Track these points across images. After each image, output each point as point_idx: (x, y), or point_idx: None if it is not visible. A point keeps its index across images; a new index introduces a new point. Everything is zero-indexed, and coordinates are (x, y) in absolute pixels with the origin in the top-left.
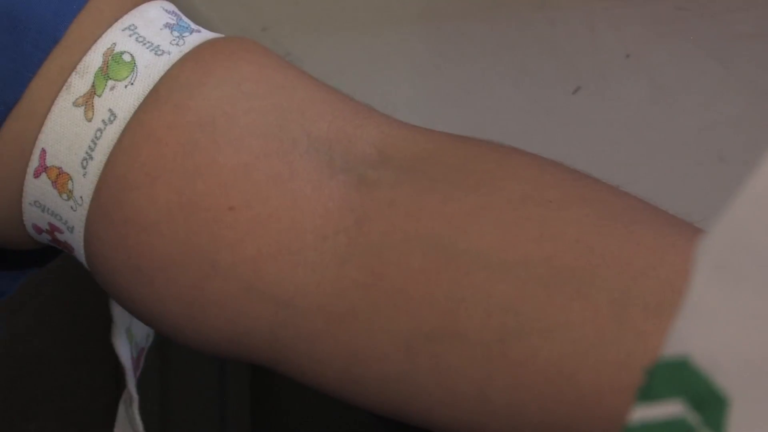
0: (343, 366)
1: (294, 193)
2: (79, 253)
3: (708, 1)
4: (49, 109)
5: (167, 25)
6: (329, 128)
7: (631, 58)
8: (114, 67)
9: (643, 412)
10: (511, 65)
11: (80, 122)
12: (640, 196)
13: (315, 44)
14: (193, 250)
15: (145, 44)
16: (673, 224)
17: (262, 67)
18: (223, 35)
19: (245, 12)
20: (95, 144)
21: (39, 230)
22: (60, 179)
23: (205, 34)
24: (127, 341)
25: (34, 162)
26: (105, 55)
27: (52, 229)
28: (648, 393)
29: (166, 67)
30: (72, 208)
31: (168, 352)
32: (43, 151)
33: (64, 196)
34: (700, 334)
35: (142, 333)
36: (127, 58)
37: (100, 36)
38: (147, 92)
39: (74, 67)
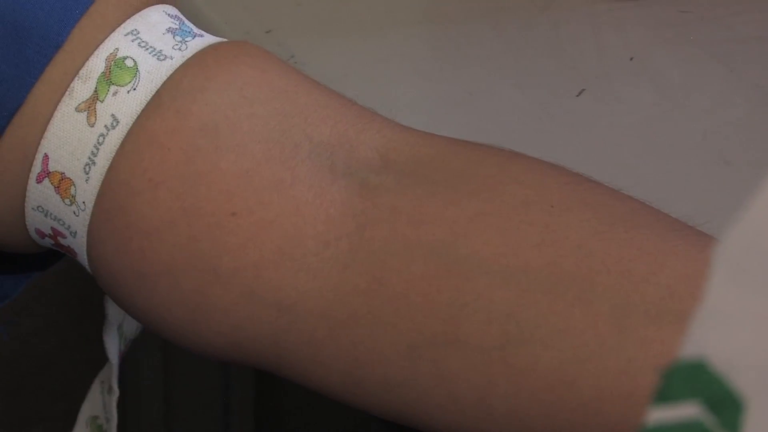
0: (346, 370)
1: (296, 198)
2: (82, 257)
3: (712, 4)
4: (51, 115)
5: (170, 30)
6: (331, 133)
7: (634, 60)
8: (116, 72)
9: (660, 414)
10: (514, 68)
11: (83, 127)
12: (643, 199)
13: (319, 47)
14: (195, 255)
15: (147, 49)
16: (676, 228)
17: (265, 71)
18: (225, 39)
19: (249, 15)
20: (98, 149)
21: (42, 235)
22: (62, 184)
23: (208, 39)
24: (117, 337)
25: (37, 167)
26: (107, 60)
27: (55, 234)
28: (665, 395)
29: (169, 72)
30: (75, 213)
31: (171, 356)
32: (46, 156)
33: (67, 201)
34: (717, 336)
35: (132, 327)
36: (129, 63)
37: (102, 41)
38: (149, 97)
39: (77, 73)
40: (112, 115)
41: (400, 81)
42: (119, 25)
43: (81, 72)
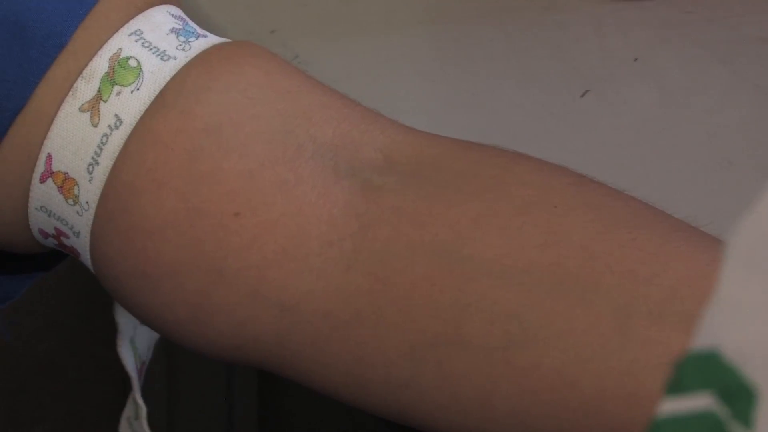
0: (349, 371)
1: (299, 199)
2: (85, 257)
3: (716, 4)
4: (55, 115)
5: (173, 30)
6: (335, 133)
7: (638, 61)
8: (120, 72)
9: (673, 405)
10: (518, 69)
11: (86, 127)
12: (646, 200)
13: (323, 47)
14: (199, 256)
15: (151, 49)
16: (679, 229)
17: (268, 72)
18: (229, 40)
19: (253, 15)
20: (101, 149)
21: (45, 235)
22: (66, 184)
23: (212, 39)
24: (131, 351)
25: (40, 167)
26: (111, 60)
27: (58, 234)
28: (677, 386)
29: (172, 73)
30: (78, 213)
31: (175, 357)
32: (49, 156)
33: (70, 201)
34: (729, 327)
35: (144, 345)
36: (133, 63)
37: (106, 41)
38: (153, 98)
39: (80, 73)
40: (116, 116)
41: (404, 81)
42: (123, 25)
43: (84, 72)
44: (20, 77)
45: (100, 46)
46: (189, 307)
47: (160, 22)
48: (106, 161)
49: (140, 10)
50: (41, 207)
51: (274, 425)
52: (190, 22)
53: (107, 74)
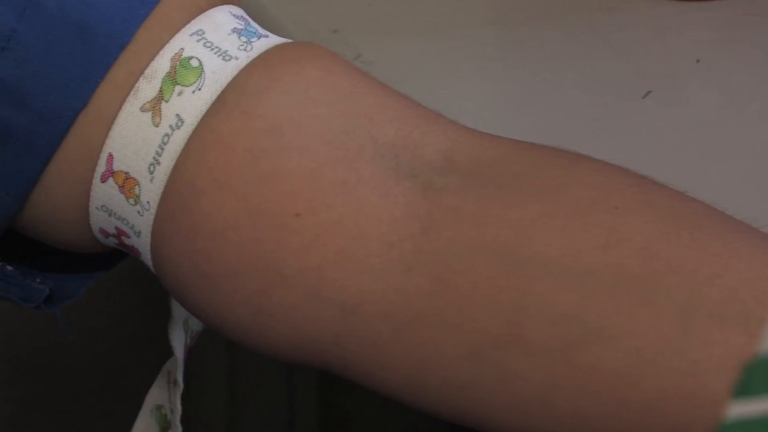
0: (409, 372)
1: (360, 200)
2: (146, 257)
3: None
4: (116, 114)
5: (235, 30)
6: (396, 134)
7: (701, 63)
8: (182, 72)
9: (741, 408)
10: (580, 69)
11: (147, 127)
12: (707, 201)
13: (385, 47)
14: (259, 256)
15: (212, 49)
16: (740, 231)
17: (330, 72)
18: (290, 40)
19: (316, 14)
20: (162, 149)
21: (106, 234)
22: (127, 184)
23: (273, 39)
24: (183, 332)
25: (101, 167)
26: (173, 60)
27: (119, 234)
28: (745, 389)
29: (234, 73)
30: (139, 213)
31: (236, 356)
32: (110, 155)
33: (131, 201)
34: None
35: (198, 322)
36: (194, 63)
37: (168, 41)
38: (214, 98)
39: (142, 72)
40: (177, 115)
41: (466, 82)
42: (184, 25)
43: (146, 72)
44: (82, 77)
45: (162, 46)
46: (249, 308)
47: (222, 22)
48: (168, 161)
49: (202, 9)
50: (102, 206)
51: (334, 425)
52: (252, 22)
53: (169, 74)
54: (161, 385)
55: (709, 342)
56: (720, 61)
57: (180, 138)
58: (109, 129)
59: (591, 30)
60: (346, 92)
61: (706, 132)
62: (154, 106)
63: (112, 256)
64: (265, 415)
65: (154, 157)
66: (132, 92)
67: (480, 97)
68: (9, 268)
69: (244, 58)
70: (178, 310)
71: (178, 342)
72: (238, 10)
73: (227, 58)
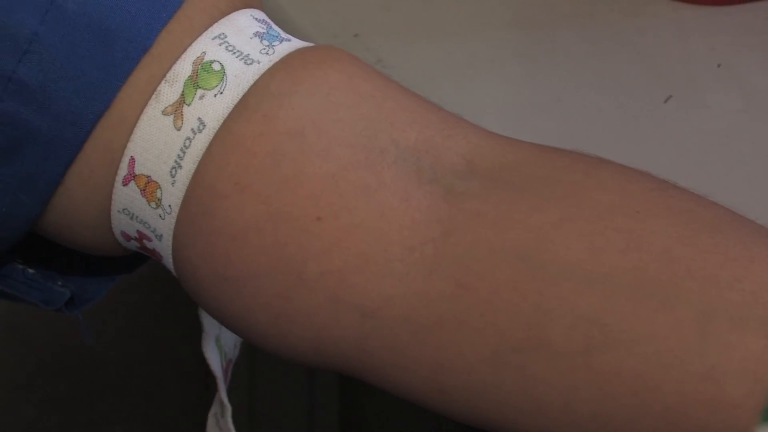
0: (430, 376)
1: (381, 203)
2: (168, 261)
3: None
4: (138, 118)
5: (257, 34)
6: (417, 138)
7: (722, 67)
8: (203, 76)
9: None
10: (601, 74)
11: (169, 131)
12: (728, 205)
13: (406, 51)
14: (280, 260)
15: (234, 53)
16: (761, 235)
17: (351, 76)
18: (312, 44)
19: (337, 18)
20: (184, 153)
21: (128, 237)
22: (149, 187)
23: (295, 43)
24: (217, 350)
25: (123, 170)
26: (195, 63)
27: (141, 237)
28: None
29: (256, 77)
30: (160, 216)
31: (257, 359)
32: (132, 159)
33: (153, 204)
34: None
35: (230, 343)
36: (216, 67)
37: (189, 45)
38: (236, 101)
39: (164, 76)
40: (199, 119)
41: (487, 86)
42: (206, 28)
43: (168, 75)
44: (104, 80)
45: (184, 50)
46: (270, 311)
47: (243, 26)
48: (189, 165)
49: (224, 13)
50: (124, 210)
51: (355, 429)
52: (274, 26)
53: (191, 78)
54: (211, 425)
55: (728, 346)
56: (740, 65)
57: (202, 141)
58: (130, 132)
59: (612, 34)
60: (368, 96)
61: (726, 136)
62: (176, 110)
63: (133, 259)
64: (286, 418)
65: (175, 161)
66: (154, 96)
67: (501, 101)
68: (30, 271)
69: (266, 62)
70: (209, 325)
71: (214, 358)
72: (260, 14)
73: (249, 61)
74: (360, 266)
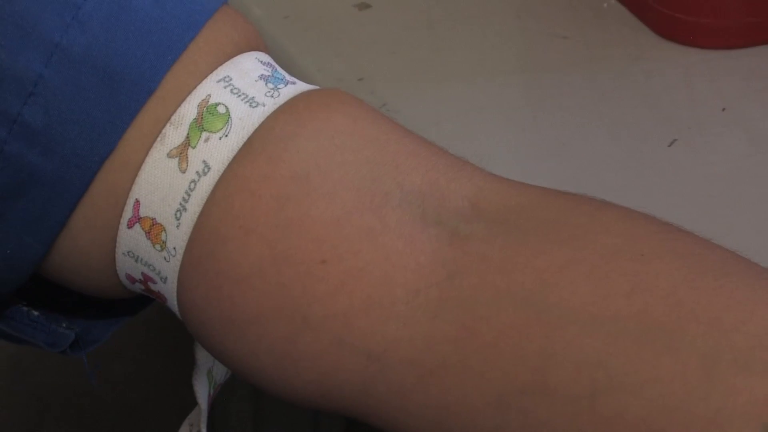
0: (435, 419)
1: (386, 246)
2: (172, 303)
3: None
4: (143, 160)
5: (262, 77)
6: (422, 181)
7: (727, 111)
8: (208, 118)
9: None
10: (606, 117)
11: (174, 173)
12: (734, 249)
13: (411, 95)
14: (285, 303)
15: (239, 96)
16: (766, 277)
17: (356, 119)
18: (317, 87)
19: (342, 62)
20: (189, 195)
21: (132, 280)
22: (153, 230)
23: (300, 86)
24: (207, 381)
25: (128, 213)
26: (200, 106)
27: (146, 279)
28: None
29: (261, 119)
30: (165, 259)
31: (261, 404)
32: (137, 201)
33: (158, 247)
34: None
35: (222, 371)
36: (221, 109)
37: (194, 87)
38: (241, 144)
39: (169, 119)
40: (204, 162)
41: (492, 129)
42: (211, 71)
43: (173, 118)
44: (109, 123)
45: (189, 93)
46: (274, 355)
47: (248, 69)
48: (194, 207)
49: (229, 56)
50: (128, 252)
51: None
52: (279, 69)
53: (196, 120)
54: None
55: (733, 390)
56: (746, 110)
57: (207, 184)
58: (135, 175)
59: (617, 78)
60: (373, 139)
61: (732, 180)
62: (181, 153)
63: (137, 301)
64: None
65: (180, 204)
66: (159, 138)
67: (506, 145)
68: (35, 313)
69: (270, 105)
70: (203, 358)
71: (202, 391)
72: (266, 57)
73: (254, 104)
74: (365, 309)
